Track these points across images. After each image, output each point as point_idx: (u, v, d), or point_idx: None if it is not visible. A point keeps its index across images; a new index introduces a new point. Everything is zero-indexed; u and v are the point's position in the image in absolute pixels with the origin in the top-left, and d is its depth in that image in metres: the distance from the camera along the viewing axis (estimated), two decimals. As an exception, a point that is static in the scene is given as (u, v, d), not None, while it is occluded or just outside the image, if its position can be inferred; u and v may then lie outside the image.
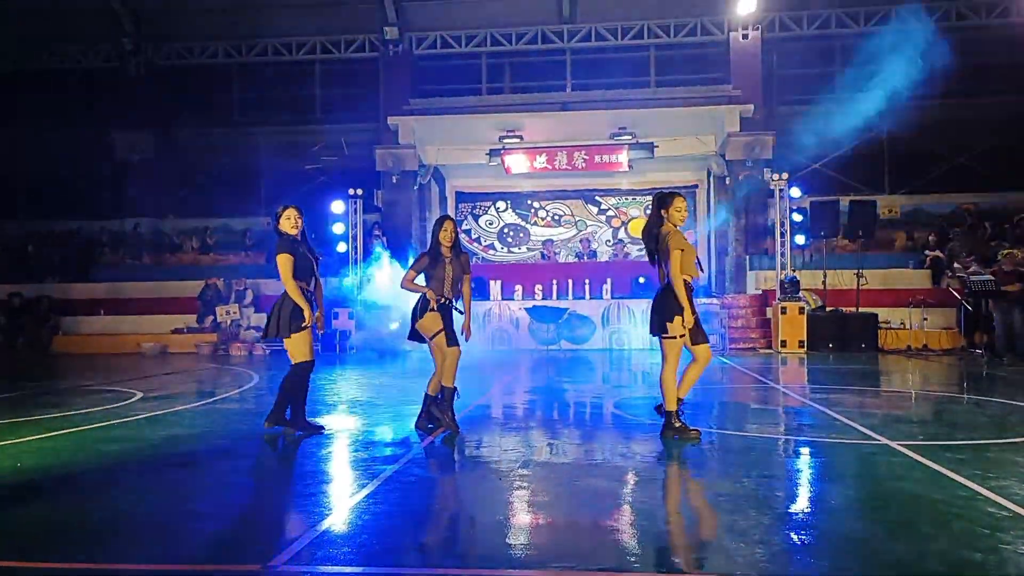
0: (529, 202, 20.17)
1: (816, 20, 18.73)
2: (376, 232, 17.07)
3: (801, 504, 3.85)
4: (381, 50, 19.65)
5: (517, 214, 20.19)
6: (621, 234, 19.96)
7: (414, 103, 18.97)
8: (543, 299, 15.65)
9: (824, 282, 15.09)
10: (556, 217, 20.13)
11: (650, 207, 5.65)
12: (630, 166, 17.86)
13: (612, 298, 15.42)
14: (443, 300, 5.77)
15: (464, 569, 2.95)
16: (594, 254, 19.20)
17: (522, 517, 3.65)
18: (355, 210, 16.41)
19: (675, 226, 5.39)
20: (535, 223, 20.10)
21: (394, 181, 18.06)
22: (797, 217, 15.62)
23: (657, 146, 17.69)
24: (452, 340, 5.75)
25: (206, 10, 19.39)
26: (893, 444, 5.10)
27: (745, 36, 18.61)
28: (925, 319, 14.16)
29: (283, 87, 20.23)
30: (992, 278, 12.22)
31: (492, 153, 17.97)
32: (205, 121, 20.44)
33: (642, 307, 15.06)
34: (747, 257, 17.18)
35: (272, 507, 4.01)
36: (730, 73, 18.64)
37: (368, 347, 14.37)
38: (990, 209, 17.70)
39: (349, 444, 5.47)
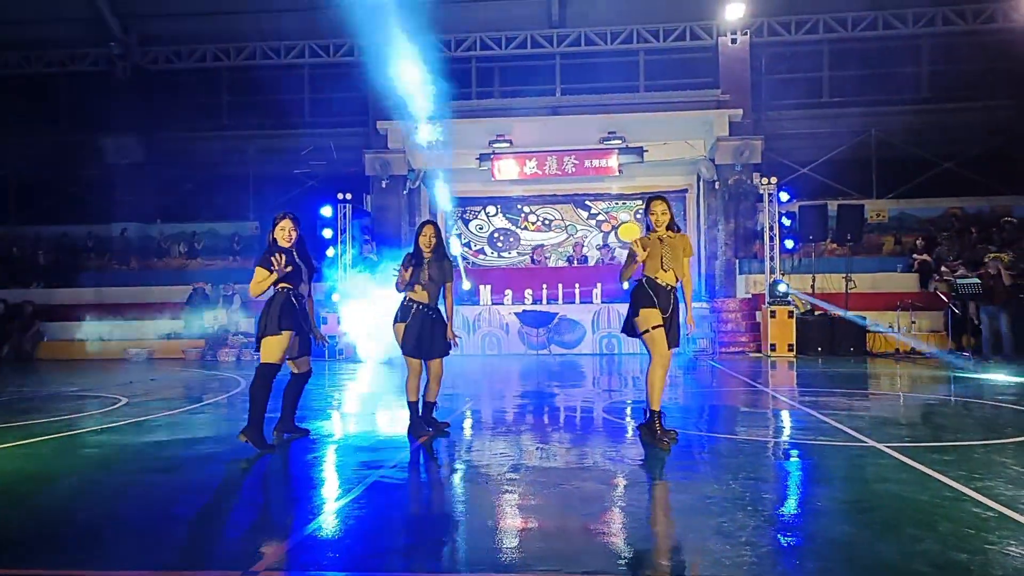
0: (519, 206, 20.17)
1: (804, 25, 18.85)
2: (366, 237, 17.03)
3: (788, 506, 3.83)
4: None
5: (507, 218, 20.18)
6: (611, 238, 19.98)
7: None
8: (533, 304, 15.63)
9: (813, 285, 15.14)
10: (546, 222, 20.13)
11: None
12: (620, 171, 17.92)
13: (602, 302, 15.42)
14: (422, 307, 5.69)
15: (450, 574, 2.92)
16: (584, 259, 19.20)
17: (509, 521, 3.62)
18: (344, 215, 16.36)
19: (656, 229, 5.40)
20: (525, 228, 20.09)
21: (383, 186, 18.02)
22: (786, 221, 15.67)
23: (647, 150, 17.76)
24: (412, 351, 5.66)
25: (194, 14, 19.32)
26: (880, 446, 5.10)
27: (734, 41, 18.71)
28: (913, 322, 14.22)
29: (271, 91, 20.14)
30: (979, 281, 12.29)
31: (482, 158, 17.97)
32: (193, 125, 20.36)
33: (632, 311, 15.05)
34: (737, 261, 17.23)
35: (255, 512, 3.97)
36: (719, 78, 18.74)
37: (356, 352, 14.31)
38: (976, 213, 17.84)
39: (335, 448, 5.43)
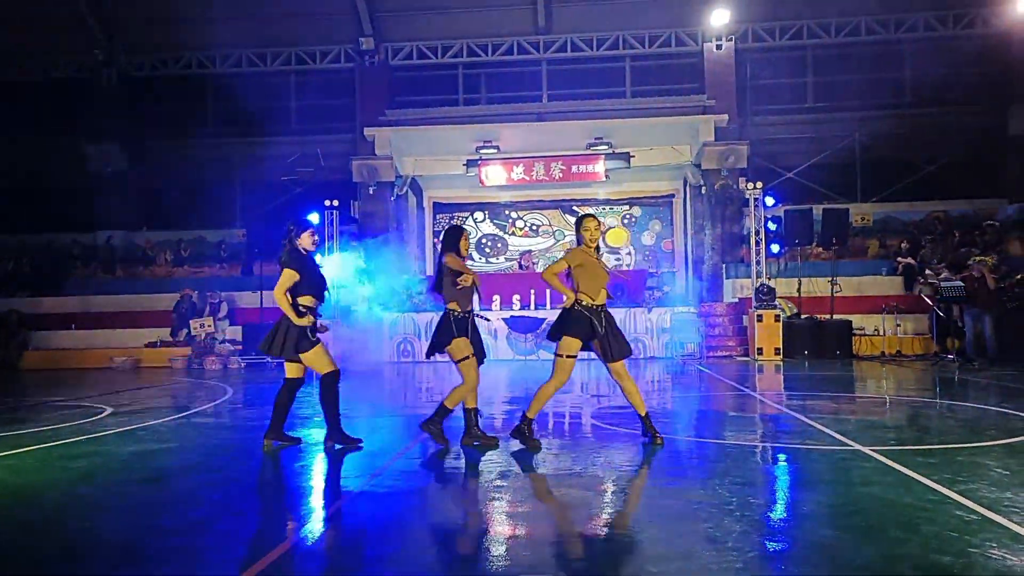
0: (506, 212, 20.19)
1: (788, 31, 19.01)
2: (353, 243, 16.99)
3: (775, 511, 3.85)
4: (357, 61, 19.66)
5: (495, 224, 20.20)
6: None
7: (390, 114, 18.95)
8: (521, 309, 15.63)
9: (799, 289, 15.22)
10: (534, 227, 20.16)
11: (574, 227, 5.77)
12: (607, 176, 17.97)
13: (590, 307, 15.41)
14: (474, 315, 5.67)
15: (435, 582, 2.91)
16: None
17: (497, 528, 3.62)
18: (331, 222, 16.32)
19: (588, 245, 5.48)
20: (513, 233, 20.11)
21: (371, 192, 18.00)
22: (772, 226, 15.76)
23: (633, 156, 17.83)
24: (482, 360, 5.63)
25: (179, 20, 19.22)
26: (865, 449, 5.14)
27: (719, 47, 18.84)
28: (898, 325, 14.33)
29: (258, 98, 20.08)
30: (963, 285, 12.40)
31: (469, 164, 18.00)
32: (179, 132, 20.26)
33: (619, 316, 15.09)
34: (723, 266, 17.30)
35: (242, 522, 3.94)
36: (705, 83, 18.86)
37: (346, 360, 14.25)
38: (959, 217, 18.01)
39: (322, 457, 5.41)
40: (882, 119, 18.17)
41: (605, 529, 3.55)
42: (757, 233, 15.28)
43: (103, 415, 7.74)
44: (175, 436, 6.47)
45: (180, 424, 7.20)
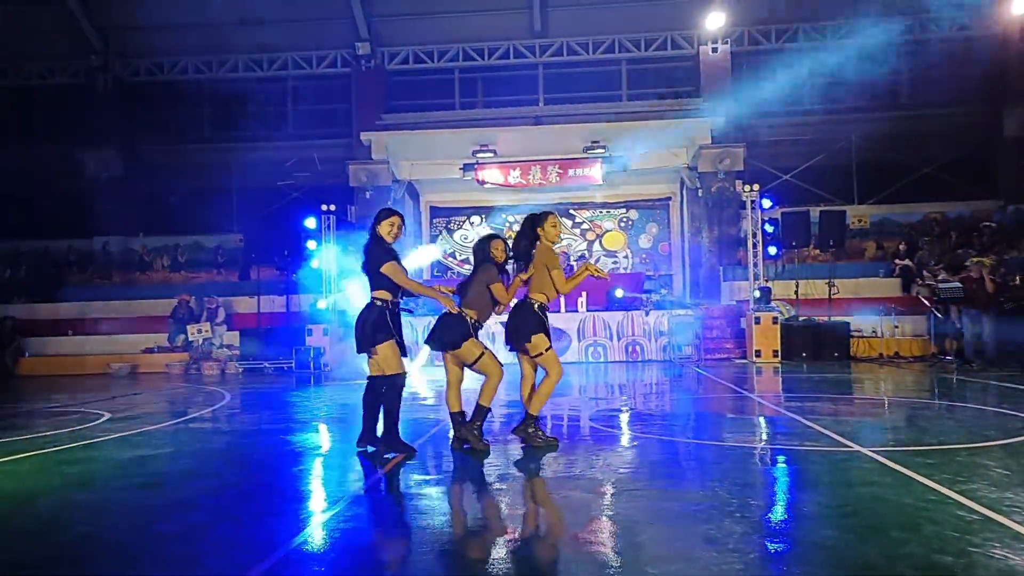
0: (503, 216, 20.19)
1: (784, 34, 19.05)
2: (350, 248, 16.97)
3: (775, 512, 3.84)
4: (353, 65, 19.66)
5: (492, 228, 20.18)
6: (596, 247, 20.04)
7: (387, 118, 18.96)
8: (519, 312, 15.58)
9: (796, 292, 15.22)
10: (531, 231, 20.12)
11: (521, 225, 5.81)
12: (603, 179, 17.98)
13: (587, 311, 15.43)
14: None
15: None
16: (570, 268, 19.21)
17: (497, 532, 3.60)
18: (328, 226, 16.28)
19: (551, 244, 5.56)
20: (510, 237, 20.05)
21: (367, 196, 17.99)
22: (769, 228, 15.77)
23: (630, 159, 17.83)
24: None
25: (175, 26, 19.23)
26: (865, 450, 5.13)
27: (715, 50, 18.88)
28: (896, 327, 14.33)
29: (254, 103, 20.09)
30: (961, 286, 12.40)
31: (466, 168, 18.00)
32: (175, 138, 20.25)
33: (618, 319, 15.11)
34: (720, 268, 17.31)
35: (240, 527, 3.92)
36: (701, 86, 18.88)
37: (343, 364, 14.21)
38: (956, 218, 18.04)
39: (322, 461, 5.39)
40: (878, 121, 18.21)
41: (605, 531, 3.53)
42: (754, 235, 15.29)
43: (100, 421, 7.71)
44: (173, 441, 6.44)
45: (178, 429, 7.17)
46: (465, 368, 5.59)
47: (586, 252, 19.83)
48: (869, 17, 18.56)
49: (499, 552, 3.25)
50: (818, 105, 19.29)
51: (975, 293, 12.24)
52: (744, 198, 15.77)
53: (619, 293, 15.72)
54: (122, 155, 20.13)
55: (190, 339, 15.69)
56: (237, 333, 15.82)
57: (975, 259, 12.99)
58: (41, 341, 16.56)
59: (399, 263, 5.24)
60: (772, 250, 15.88)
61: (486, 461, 5.17)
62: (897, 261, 16.38)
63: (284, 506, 4.15)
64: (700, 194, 17.79)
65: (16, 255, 19.75)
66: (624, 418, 7.30)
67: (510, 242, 5.80)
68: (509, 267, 5.78)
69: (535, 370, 5.73)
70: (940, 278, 13.49)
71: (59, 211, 20.23)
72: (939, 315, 13.25)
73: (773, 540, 3.29)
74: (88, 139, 19.71)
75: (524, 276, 5.58)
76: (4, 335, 16.09)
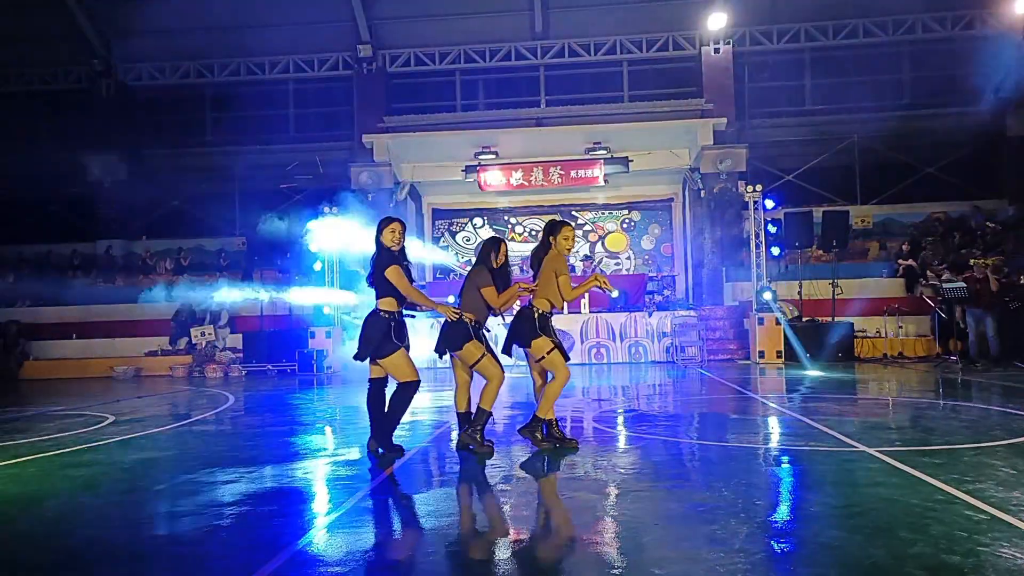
0: (506, 218, 20.20)
1: (786, 34, 19.04)
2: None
3: (781, 512, 3.83)
4: (355, 68, 19.69)
5: (494, 230, 20.19)
6: (598, 248, 20.02)
7: (389, 120, 18.98)
8: (521, 314, 15.58)
9: (800, 292, 15.20)
10: (533, 233, 20.15)
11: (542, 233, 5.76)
12: (605, 180, 18.00)
13: (590, 312, 15.42)
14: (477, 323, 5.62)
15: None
16: (572, 269, 19.22)
17: (501, 533, 3.59)
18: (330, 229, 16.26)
19: (564, 252, 5.60)
20: (512, 239, 20.11)
21: (369, 199, 17.99)
22: (772, 228, 15.75)
23: (632, 160, 17.85)
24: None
25: (176, 30, 19.26)
26: (870, 451, 5.11)
27: (716, 51, 18.87)
28: (900, 327, 14.30)
29: (257, 106, 20.11)
30: (964, 286, 12.38)
31: (468, 170, 18.01)
32: (178, 142, 20.30)
33: (620, 320, 15.09)
34: (723, 269, 17.29)
35: (245, 529, 3.91)
36: (702, 87, 18.88)
37: (346, 367, 14.22)
38: (959, 218, 18.01)
39: (326, 463, 5.39)
40: (881, 121, 18.16)
41: (610, 532, 3.52)
42: (757, 236, 15.28)
43: (104, 424, 7.71)
44: (177, 444, 6.45)
45: (181, 432, 7.17)
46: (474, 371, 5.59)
47: (589, 253, 19.80)
48: (871, 17, 18.58)
49: (505, 553, 3.24)
50: (820, 105, 19.31)
51: (979, 293, 12.22)
52: (746, 199, 15.77)
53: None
54: (125, 159, 20.16)
55: (193, 342, 15.72)
56: (240, 336, 15.85)
57: (981, 261, 12.95)
58: (45, 344, 16.60)
59: (403, 269, 5.23)
60: (775, 251, 15.87)
61: (490, 462, 5.17)
62: (901, 261, 16.34)
63: (289, 508, 4.15)
64: (702, 195, 17.78)
65: (20, 259, 19.79)
66: (628, 419, 7.29)
67: (510, 244, 5.82)
68: (514, 269, 5.80)
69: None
70: (944, 278, 13.46)
71: (63, 215, 20.31)
72: (943, 315, 13.22)
73: (779, 541, 3.28)
74: (91, 143, 19.73)
75: (530, 287, 5.57)
76: (8, 339, 16.13)
